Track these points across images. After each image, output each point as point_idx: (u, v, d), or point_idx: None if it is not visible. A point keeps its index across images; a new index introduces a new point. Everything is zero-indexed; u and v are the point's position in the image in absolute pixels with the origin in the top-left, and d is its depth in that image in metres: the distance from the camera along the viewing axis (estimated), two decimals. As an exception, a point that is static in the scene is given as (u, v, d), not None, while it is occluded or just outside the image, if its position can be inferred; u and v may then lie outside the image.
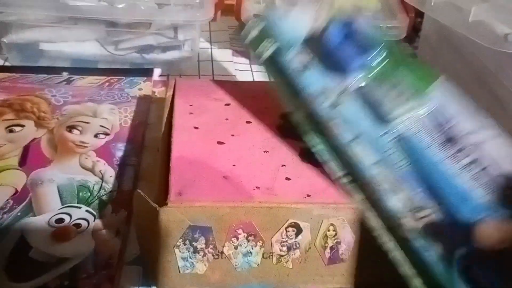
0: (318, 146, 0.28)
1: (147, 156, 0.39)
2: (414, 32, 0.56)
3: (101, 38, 0.46)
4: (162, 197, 0.27)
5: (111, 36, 0.46)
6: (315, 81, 0.28)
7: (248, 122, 0.35)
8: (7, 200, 0.32)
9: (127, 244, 0.31)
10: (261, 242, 0.27)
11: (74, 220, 0.32)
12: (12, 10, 0.42)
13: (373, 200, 0.25)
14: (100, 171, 0.36)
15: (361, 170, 0.25)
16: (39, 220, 0.32)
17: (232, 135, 0.33)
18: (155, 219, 0.26)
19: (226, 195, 0.27)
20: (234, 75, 0.51)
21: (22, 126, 0.38)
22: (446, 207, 0.23)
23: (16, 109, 0.40)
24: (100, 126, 0.40)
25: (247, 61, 0.54)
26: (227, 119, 0.35)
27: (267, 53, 0.30)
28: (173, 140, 0.31)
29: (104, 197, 0.34)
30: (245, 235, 0.26)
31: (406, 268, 0.24)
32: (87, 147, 0.38)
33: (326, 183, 0.29)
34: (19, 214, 0.32)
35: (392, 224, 0.24)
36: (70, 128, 0.39)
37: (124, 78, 0.46)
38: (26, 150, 0.36)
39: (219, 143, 0.32)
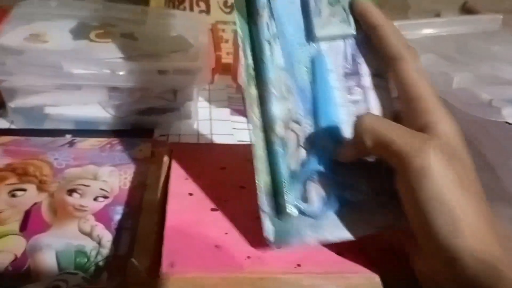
0: (241, 35, 0.28)
1: (144, 219, 0.39)
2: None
3: (103, 101, 0.48)
4: (155, 267, 0.28)
5: (113, 99, 0.48)
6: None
7: (242, 187, 0.36)
8: (6, 266, 0.33)
9: (121, 312, 0.32)
10: (252, 313, 0.27)
11: (69, 287, 0.32)
12: (19, 77, 0.44)
13: (262, 99, 0.27)
14: (97, 236, 0.37)
15: (268, 69, 0.27)
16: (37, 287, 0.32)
17: (225, 201, 0.34)
18: (147, 290, 0.27)
19: (217, 265, 0.28)
20: (232, 134, 0.53)
21: (24, 190, 0.40)
22: (316, 128, 0.28)
23: (19, 173, 0.41)
24: (100, 189, 0.41)
25: (244, 119, 0.56)
26: (221, 184, 0.36)
27: None
28: (168, 208, 0.32)
29: (100, 263, 0.35)
30: (236, 306, 0.27)
31: (259, 163, 0.27)
32: (86, 210, 0.39)
33: (316, 251, 0.30)
34: (17, 281, 0.32)
35: (266, 123, 0.27)
36: (71, 192, 0.40)
37: (125, 139, 0.48)
38: (27, 214, 0.37)
39: (213, 210, 0.33)
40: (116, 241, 0.36)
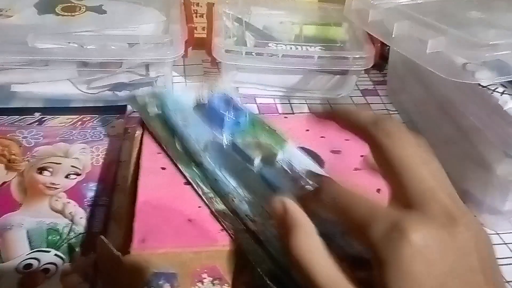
0: (192, 175, 0.33)
1: (118, 195, 0.39)
2: (383, 60, 0.58)
3: (73, 78, 0.47)
4: (127, 243, 0.27)
5: (83, 75, 0.46)
6: (196, 132, 0.36)
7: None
8: (-25, 247, 0.32)
9: (95, 289, 0.31)
10: (226, 285, 0.27)
11: (42, 265, 0.32)
12: (-18, 55, 0.42)
13: (231, 208, 0.30)
14: (70, 213, 0.36)
15: (225, 189, 0.31)
16: (7, 267, 0.31)
17: (199, 175, 0.33)
18: (118, 267, 0.26)
19: (189, 239, 0.27)
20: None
21: (-8, 170, 0.39)
22: None
23: (-14, 153, 0.40)
24: (71, 167, 0.40)
25: (220, 93, 0.55)
26: (195, 158, 0.35)
27: (153, 113, 0.40)
28: (139, 184, 0.32)
29: (73, 240, 0.34)
30: (210, 279, 0.26)
31: (254, 256, 0.27)
32: (58, 188, 0.38)
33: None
34: (-14, 261, 0.32)
35: (246, 222, 0.29)
36: (41, 170, 0.39)
37: (97, 116, 0.46)
38: (-5, 194, 0.36)
39: (186, 183, 0.32)
40: (90, 218, 0.36)
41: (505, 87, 0.35)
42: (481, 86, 0.36)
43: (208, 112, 0.39)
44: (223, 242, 0.27)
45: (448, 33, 0.41)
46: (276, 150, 0.35)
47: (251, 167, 0.33)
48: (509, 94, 0.35)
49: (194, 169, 0.34)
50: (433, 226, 0.20)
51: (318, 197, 0.24)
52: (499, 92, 0.35)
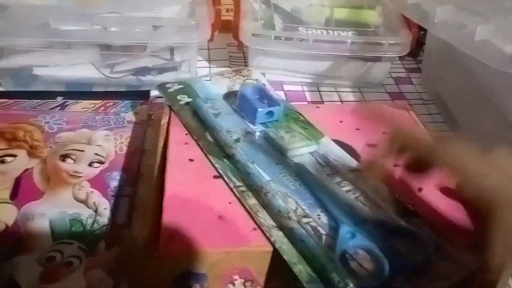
0: (223, 167, 0.32)
1: (142, 185, 0.37)
2: (418, 46, 0.55)
3: (96, 61, 0.45)
4: (154, 239, 0.26)
5: (106, 59, 0.45)
6: (227, 122, 0.36)
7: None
8: (-3, 237, 0.31)
9: (120, 284, 0.30)
10: (259, 287, 0.25)
11: (65, 258, 0.31)
12: (3, 36, 0.41)
13: (264, 203, 0.29)
14: (94, 203, 0.35)
15: (257, 177, 0.30)
16: (29, 259, 0.30)
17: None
18: (145, 264, 0.25)
19: (220, 239, 0.26)
20: (233, 95, 0.50)
21: (14, 156, 0.37)
22: (331, 214, 0.28)
23: (8, 138, 0.39)
24: (94, 154, 0.39)
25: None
26: (223, 148, 0.33)
27: (183, 101, 0.39)
28: (167, 177, 0.30)
29: (97, 232, 0.33)
30: (242, 281, 0.25)
31: (290, 255, 0.26)
32: (81, 177, 0.37)
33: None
34: (9, 252, 0.31)
35: (280, 218, 0.27)
36: (64, 157, 0.38)
37: (120, 101, 0.45)
38: (17, 181, 0.35)
39: (215, 177, 0.31)
40: (113, 209, 0.34)
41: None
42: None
43: (240, 101, 0.37)
44: (255, 242, 0.26)
45: (496, 21, 0.38)
46: (311, 143, 0.33)
47: (285, 160, 0.32)
48: None
49: (226, 161, 0.32)
50: None
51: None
52: None
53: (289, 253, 0.26)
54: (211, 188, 0.29)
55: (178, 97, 0.38)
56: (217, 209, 0.28)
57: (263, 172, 0.31)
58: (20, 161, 0.37)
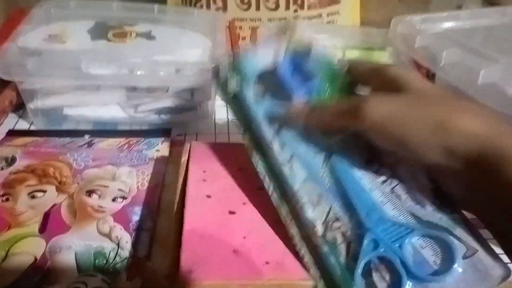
0: (258, 164, 0.32)
1: (162, 219, 0.39)
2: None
3: (122, 102, 0.48)
4: (174, 271, 0.28)
5: (131, 99, 0.48)
6: (266, 108, 0.33)
7: (259, 188, 0.35)
8: (27, 268, 0.33)
9: (140, 315, 0.32)
10: (271, 320, 0.26)
11: (89, 290, 0.32)
12: (39, 79, 0.45)
13: (295, 212, 0.29)
14: (116, 237, 0.37)
15: (291, 185, 0.30)
16: (56, 290, 0.32)
17: (244, 204, 0.33)
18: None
19: (235, 271, 0.27)
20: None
21: (44, 191, 0.40)
22: (358, 217, 0.28)
23: (39, 175, 0.41)
24: (118, 190, 0.41)
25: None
26: (239, 186, 0.35)
27: (233, 89, 0.35)
28: (186, 211, 0.32)
29: (119, 265, 0.34)
30: (255, 313, 0.26)
31: (312, 271, 0.27)
32: (105, 211, 0.39)
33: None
34: (37, 283, 0.32)
35: (307, 232, 0.28)
36: (90, 193, 0.40)
37: (142, 139, 0.47)
38: (46, 216, 0.38)
39: (231, 212, 0.32)
40: (135, 243, 0.36)
41: None
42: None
43: (279, 81, 0.33)
44: (268, 275, 0.27)
45: (501, 62, 0.40)
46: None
47: (324, 147, 0.31)
48: None
49: (263, 161, 0.32)
50: None
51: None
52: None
53: (313, 268, 0.27)
54: (227, 223, 0.31)
55: (228, 87, 0.35)
56: (233, 243, 0.29)
57: (299, 169, 0.30)
58: (50, 196, 0.40)
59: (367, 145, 0.29)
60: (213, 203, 0.33)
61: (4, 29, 0.50)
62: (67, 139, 0.47)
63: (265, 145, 0.32)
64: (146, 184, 0.42)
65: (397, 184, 0.29)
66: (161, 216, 0.40)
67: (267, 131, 0.32)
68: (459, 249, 0.25)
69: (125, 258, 0.35)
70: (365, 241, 0.26)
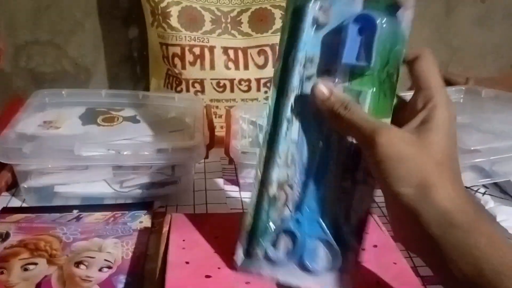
0: (270, 105, 0.34)
1: (146, 286, 0.43)
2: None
3: (108, 179, 0.53)
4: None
5: (117, 176, 0.53)
6: (318, 46, 0.32)
7: (233, 254, 0.40)
8: (19, 337, 0.36)
9: None
10: None
11: None
12: (34, 161, 0.50)
13: (268, 162, 0.35)
14: (102, 305, 0.40)
15: (279, 142, 0.34)
16: None
17: (219, 268, 0.38)
18: None
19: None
20: (225, 203, 0.57)
21: (36, 264, 0.43)
22: (305, 199, 0.34)
23: (31, 249, 0.45)
24: (104, 260, 0.45)
25: (237, 188, 0.60)
26: (215, 252, 0.40)
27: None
28: (167, 277, 0.36)
29: (105, 331, 0.38)
30: None
31: (249, 207, 0.35)
32: (91, 281, 0.42)
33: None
34: None
35: (265, 183, 0.35)
36: (78, 264, 0.44)
37: (127, 212, 0.52)
38: (38, 287, 0.41)
39: (207, 276, 0.37)
40: (119, 310, 0.40)
41: (487, 187, 0.40)
42: (466, 187, 0.41)
43: (343, 31, 0.31)
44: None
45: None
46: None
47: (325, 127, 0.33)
48: (490, 195, 0.39)
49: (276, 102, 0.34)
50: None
51: None
52: (481, 193, 0.39)
53: (251, 204, 0.36)
54: (204, 286, 0.35)
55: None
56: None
57: (296, 130, 0.34)
58: (41, 268, 0.43)
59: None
60: (191, 268, 0.38)
61: (4, 116, 0.55)
62: (57, 215, 0.51)
63: (284, 93, 0.33)
64: (130, 254, 0.46)
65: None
66: (144, 283, 0.43)
67: (295, 79, 0.33)
68: (339, 264, 0.34)
69: (111, 324, 0.38)
70: (293, 216, 0.35)
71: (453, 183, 0.28)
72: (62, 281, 0.42)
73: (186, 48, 0.67)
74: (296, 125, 0.34)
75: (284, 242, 0.35)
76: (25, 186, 0.52)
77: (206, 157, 0.55)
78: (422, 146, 0.29)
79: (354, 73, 0.32)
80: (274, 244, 0.35)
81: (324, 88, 0.31)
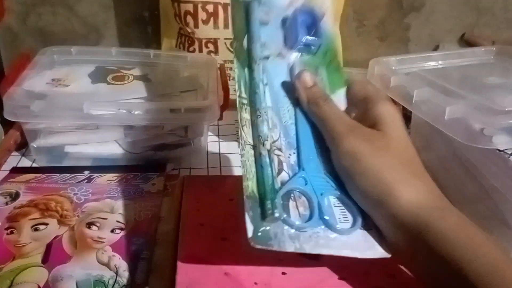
0: (239, 75, 0.34)
1: (159, 249, 0.42)
2: (406, 120, 0.60)
3: (120, 139, 0.51)
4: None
5: (129, 137, 0.51)
6: (269, 36, 0.36)
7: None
8: (30, 297, 0.35)
9: (138, 339, 0.34)
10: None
11: (89, 315, 0.34)
12: (43, 120, 0.48)
13: (253, 124, 0.33)
14: (115, 266, 0.39)
15: (261, 99, 0.33)
16: (58, 316, 0.34)
17: (234, 231, 0.36)
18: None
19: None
20: (239, 166, 0.55)
21: (46, 224, 0.42)
22: (298, 157, 0.33)
23: (42, 209, 0.44)
24: (116, 222, 0.43)
25: (252, 152, 0.58)
26: (230, 214, 0.38)
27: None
28: (180, 239, 0.35)
29: (118, 291, 0.37)
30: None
31: (245, 171, 0.31)
32: (104, 242, 0.41)
33: (321, 276, 0.31)
34: (40, 310, 0.35)
35: (257, 142, 0.32)
36: (89, 225, 0.43)
37: (139, 174, 0.50)
38: (49, 247, 0.40)
39: (223, 239, 0.35)
40: (133, 271, 0.38)
41: (522, 150, 0.37)
42: (499, 150, 0.38)
43: (289, 20, 0.37)
44: (257, 295, 0.30)
45: (467, 99, 0.44)
46: (327, 90, 0.36)
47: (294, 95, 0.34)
48: (526, 157, 0.36)
49: (245, 71, 0.35)
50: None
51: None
52: (516, 156, 0.37)
53: (248, 169, 0.31)
54: (219, 249, 0.34)
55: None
56: (224, 266, 0.32)
57: (268, 97, 0.34)
58: (52, 229, 0.42)
59: None
60: (206, 230, 0.36)
61: (11, 74, 0.53)
62: (68, 175, 0.49)
63: (251, 61, 0.35)
64: (143, 216, 0.45)
65: None
66: (157, 246, 0.42)
67: (258, 53, 0.35)
68: (360, 220, 0.31)
69: (123, 286, 0.37)
70: (297, 174, 0.32)
71: (421, 178, 0.30)
72: (73, 241, 0.41)
73: (199, 5, 0.64)
74: (267, 91, 0.34)
75: (295, 207, 0.31)
76: (35, 145, 0.51)
77: (220, 118, 0.53)
78: (385, 153, 0.30)
79: (305, 55, 0.37)
80: (286, 210, 0.31)
81: (308, 76, 0.34)
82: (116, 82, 0.53)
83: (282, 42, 0.36)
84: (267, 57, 0.35)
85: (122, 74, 0.55)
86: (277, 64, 0.36)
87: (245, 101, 0.33)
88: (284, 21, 0.37)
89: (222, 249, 0.34)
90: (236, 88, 0.34)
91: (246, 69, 0.35)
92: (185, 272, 0.31)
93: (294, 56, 0.36)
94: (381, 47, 0.87)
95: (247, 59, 0.35)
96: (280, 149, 0.33)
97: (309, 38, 0.36)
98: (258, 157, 0.31)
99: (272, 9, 0.37)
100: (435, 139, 0.54)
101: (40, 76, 0.54)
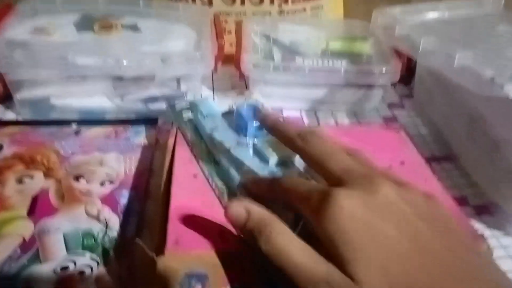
0: (209, 170, 0.37)
1: (150, 203, 0.40)
2: (409, 73, 0.58)
3: (108, 92, 0.49)
4: (161, 246, 0.28)
5: (118, 89, 0.49)
6: (222, 136, 0.39)
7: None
8: (15, 249, 0.34)
9: (128, 291, 0.32)
10: (255, 286, 0.27)
11: (78, 268, 0.33)
12: (25, 70, 0.45)
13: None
14: (104, 218, 0.37)
15: (233, 186, 0.34)
16: (45, 268, 0.33)
17: (229, 182, 0.34)
18: (153, 268, 0.27)
19: (220, 241, 0.28)
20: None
21: (32, 176, 0.40)
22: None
23: (27, 161, 0.42)
24: (105, 174, 0.41)
25: (247, 107, 0.56)
26: (224, 165, 0.36)
27: (187, 118, 0.43)
28: (172, 189, 0.33)
29: (107, 244, 0.35)
30: (239, 279, 0.27)
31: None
32: (92, 195, 0.39)
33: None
34: (26, 262, 0.33)
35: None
36: (77, 177, 0.41)
37: (129, 127, 0.48)
38: (34, 199, 0.38)
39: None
40: (123, 224, 0.37)
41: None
42: (510, 99, 0.36)
43: (236, 118, 0.41)
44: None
45: (475, 47, 0.41)
46: (294, 154, 0.36)
47: (266, 168, 0.35)
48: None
49: (213, 166, 0.36)
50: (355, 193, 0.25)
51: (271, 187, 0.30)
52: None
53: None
54: (212, 200, 0.32)
55: (184, 115, 0.43)
56: (218, 218, 0.30)
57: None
58: (37, 182, 0.40)
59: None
60: (199, 181, 0.34)
61: (-10, 22, 0.50)
62: (55, 128, 0.47)
63: (216, 155, 0.38)
64: (134, 170, 0.43)
65: None
66: (149, 200, 0.40)
67: (219, 147, 0.38)
68: None
69: (113, 238, 0.36)
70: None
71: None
72: (60, 194, 0.39)
73: (192, -49, 0.60)
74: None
75: None
76: (19, 97, 0.48)
77: (215, 70, 0.50)
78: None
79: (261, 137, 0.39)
80: None
81: (239, 208, 0.27)
82: (103, 31, 0.50)
83: (235, 135, 0.40)
84: (229, 149, 0.37)
85: (109, 23, 0.52)
86: (240, 151, 0.37)
87: (223, 190, 0.34)
88: (231, 123, 0.41)
89: (215, 201, 0.32)
90: (211, 183, 0.35)
91: (213, 165, 0.37)
92: (177, 221, 0.29)
93: (250, 141, 0.39)
94: (381, 2, 0.83)
95: (211, 157, 0.38)
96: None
97: (257, 122, 0.39)
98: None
99: (214, 117, 0.42)
100: (438, 93, 0.52)
101: (22, 25, 0.50)
